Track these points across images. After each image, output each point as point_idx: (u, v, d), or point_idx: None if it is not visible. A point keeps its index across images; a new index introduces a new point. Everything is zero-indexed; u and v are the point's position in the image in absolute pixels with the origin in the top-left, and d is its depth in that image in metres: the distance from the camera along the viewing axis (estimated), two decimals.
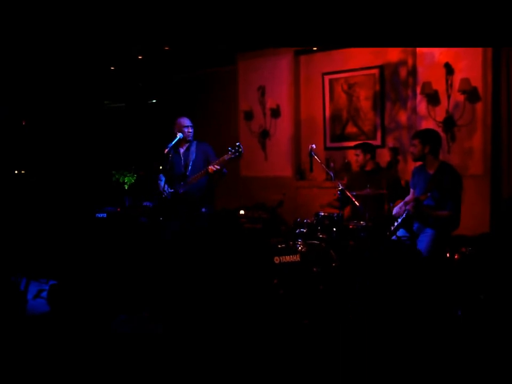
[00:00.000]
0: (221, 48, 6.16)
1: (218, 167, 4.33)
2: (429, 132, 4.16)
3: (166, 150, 4.37)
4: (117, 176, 7.73)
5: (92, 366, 3.17)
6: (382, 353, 3.26)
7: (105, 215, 5.35)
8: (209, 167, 4.36)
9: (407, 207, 3.98)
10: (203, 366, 3.18)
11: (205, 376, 3.06)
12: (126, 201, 6.18)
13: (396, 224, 4.15)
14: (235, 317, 3.90)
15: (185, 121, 4.66)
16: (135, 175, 7.75)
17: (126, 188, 7.72)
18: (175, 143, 4.44)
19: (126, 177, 7.74)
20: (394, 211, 4.18)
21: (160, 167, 4.78)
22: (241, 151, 4.25)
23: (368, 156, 4.96)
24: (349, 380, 2.96)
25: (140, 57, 6.72)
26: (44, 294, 4.46)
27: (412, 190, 4.30)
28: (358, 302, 3.85)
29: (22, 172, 7.00)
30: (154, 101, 8.38)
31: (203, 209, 4.58)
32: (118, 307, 4.21)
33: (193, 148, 4.67)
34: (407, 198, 4.29)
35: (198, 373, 3.11)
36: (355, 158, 5.09)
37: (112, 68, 7.27)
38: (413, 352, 3.30)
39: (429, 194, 3.83)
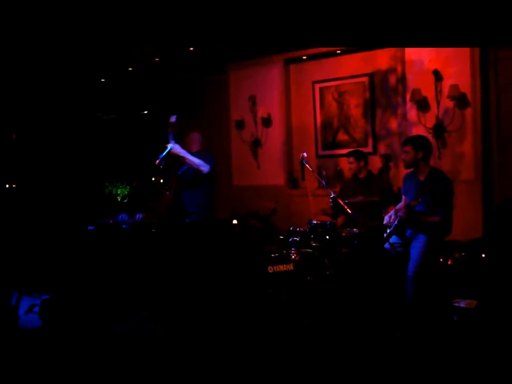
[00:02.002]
0: (216, 49, 6.12)
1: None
2: (420, 138, 4.17)
3: (157, 161, 4.37)
4: (109, 188, 7.70)
5: (92, 365, 3.16)
6: (381, 353, 3.26)
7: (93, 227, 5.32)
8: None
9: (399, 214, 3.98)
10: (203, 366, 3.16)
11: (205, 376, 3.05)
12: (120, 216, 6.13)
13: (388, 231, 4.15)
14: (235, 317, 3.90)
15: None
16: (128, 187, 7.73)
17: (119, 199, 7.70)
18: (165, 154, 4.44)
19: (119, 189, 7.72)
20: (385, 220, 4.17)
21: (153, 179, 4.78)
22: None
23: (362, 163, 4.97)
24: (349, 379, 2.96)
25: (130, 68, 6.73)
26: (36, 309, 4.41)
27: (403, 197, 4.31)
28: (358, 303, 3.85)
29: (13, 185, 6.96)
30: (146, 112, 8.39)
31: (187, 220, 4.59)
32: (118, 307, 4.20)
33: (196, 154, 4.69)
34: (399, 205, 4.30)
35: (198, 373, 3.09)
36: (348, 166, 5.10)
37: (102, 80, 7.27)
38: (411, 353, 3.31)
39: (419, 200, 3.84)
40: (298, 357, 3.29)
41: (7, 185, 6.92)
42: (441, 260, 4.29)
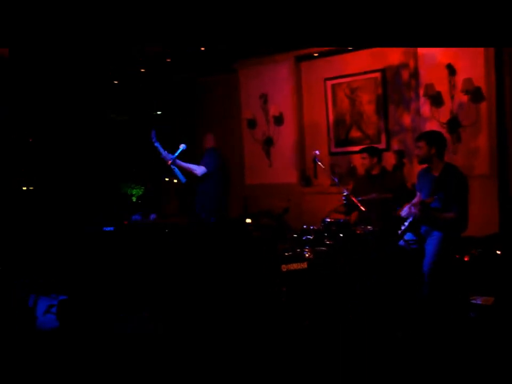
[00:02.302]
0: (226, 48, 6.13)
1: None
2: (433, 133, 4.13)
3: (170, 162, 4.40)
4: (124, 189, 7.77)
5: (93, 365, 3.19)
6: (382, 353, 3.25)
7: (112, 228, 5.37)
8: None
9: (413, 210, 3.95)
10: (203, 366, 3.18)
11: (205, 376, 3.06)
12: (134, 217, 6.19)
13: (402, 228, 4.12)
14: (235, 318, 3.91)
15: None
16: (143, 187, 7.79)
17: (134, 200, 7.75)
18: (178, 154, 4.48)
19: (134, 190, 7.78)
20: (403, 213, 4.14)
21: (167, 179, 4.84)
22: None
23: (375, 160, 4.93)
24: (349, 379, 2.95)
25: (142, 70, 6.77)
26: (54, 309, 4.47)
27: (418, 193, 4.26)
28: (358, 302, 3.84)
29: (31, 187, 7.05)
30: (159, 112, 8.43)
31: (203, 215, 4.65)
32: (118, 307, 4.24)
33: (204, 153, 4.97)
34: (414, 201, 4.25)
35: (198, 373, 3.11)
36: (361, 162, 5.07)
37: (115, 82, 7.33)
38: (413, 353, 3.28)
39: (434, 197, 3.80)
40: (298, 356, 3.28)
41: (24, 188, 7.01)
42: (457, 256, 4.23)
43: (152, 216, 5.91)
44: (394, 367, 3.09)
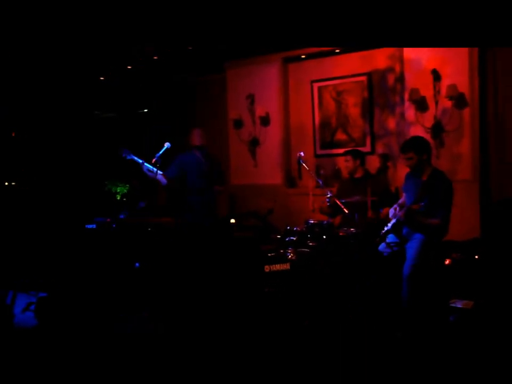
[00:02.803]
0: (214, 48, 6.11)
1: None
2: (418, 141, 4.09)
3: (154, 160, 4.39)
4: (109, 186, 7.68)
5: (91, 365, 3.16)
6: (381, 353, 3.27)
7: (94, 226, 5.32)
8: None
9: (398, 214, 3.97)
10: (203, 366, 3.17)
11: (205, 376, 3.05)
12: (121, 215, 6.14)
13: (385, 229, 4.15)
14: (234, 317, 3.90)
15: None
16: (127, 185, 7.71)
17: (118, 198, 7.68)
18: (162, 152, 4.46)
19: (118, 187, 7.70)
20: (390, 214, 4.18)
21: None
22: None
23: (358, 162, 4.97)
24: (348, 379, 2.96)
25: (128, 67, 6.72)
26: (33, 307, 4.41)
27: (403, 194, 4.30)
28: (358, 303, 3.86)
29: (13, 183, 6.95)
30: (144, 110, 8.38)
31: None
32: (118, 308, 4.21)
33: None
34: (400, 201, 4.29)
35: (198, 373, 3.10)
36: (345, 164, 5.09)
37: (101, 78, 7.26)
38: (411, 353, 3.31)
39: (421, 203, 3.81)
40: (298, 357, 3.29)
41: (6, 183, 6.91)
42: (438, 260, 4.27)
43: (142, 204, 5.88)
44: (393, 367, 3.11)
